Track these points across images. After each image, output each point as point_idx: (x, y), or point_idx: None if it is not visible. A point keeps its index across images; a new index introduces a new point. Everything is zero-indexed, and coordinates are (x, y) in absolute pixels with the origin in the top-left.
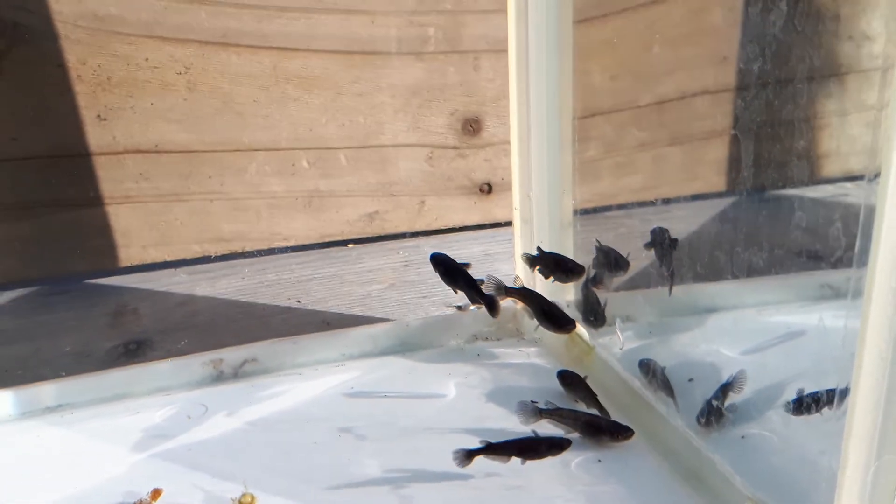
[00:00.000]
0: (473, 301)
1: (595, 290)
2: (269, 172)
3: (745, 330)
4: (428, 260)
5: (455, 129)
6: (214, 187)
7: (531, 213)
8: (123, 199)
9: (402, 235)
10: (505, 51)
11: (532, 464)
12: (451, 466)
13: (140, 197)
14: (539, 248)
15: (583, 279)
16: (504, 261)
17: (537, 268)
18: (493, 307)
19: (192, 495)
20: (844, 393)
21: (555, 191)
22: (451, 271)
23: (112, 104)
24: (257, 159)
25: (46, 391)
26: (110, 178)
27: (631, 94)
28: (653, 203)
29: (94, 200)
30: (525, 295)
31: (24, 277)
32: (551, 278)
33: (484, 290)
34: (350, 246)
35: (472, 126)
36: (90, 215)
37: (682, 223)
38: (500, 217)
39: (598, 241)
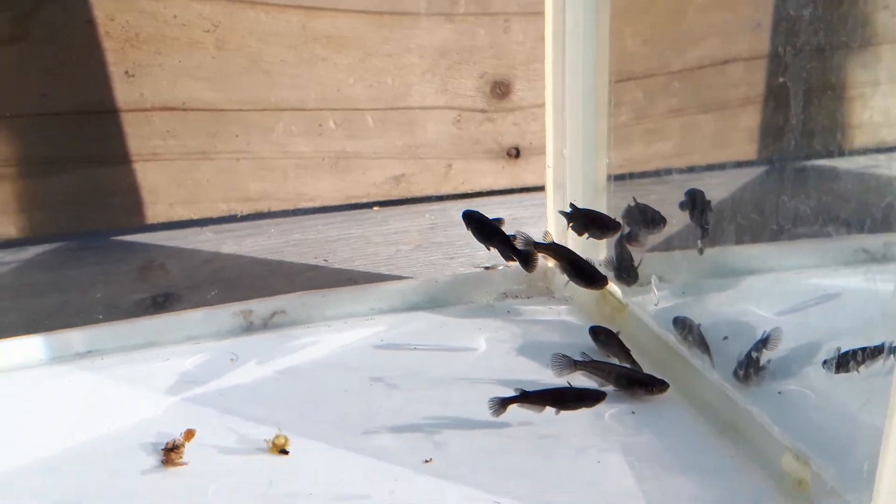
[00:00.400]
0: (507, 258)
1: (630, 247)
2: (295, 132)
3: (779, 292)
4: (455, 223)
5: (483, 92)
6: (241, 146)
7: (564, 178)
8: (151, 157)
9: (429, 199)
10: (536, 13)
11: (566, 414)
12: (484, 415)
13: (167, 154)
14: (573, 205)
15: (617, 236)
16: (532, 225)
17: (571, 225)
18: (528, 263)
19: (225, 437)
20: (892, 350)
21: (589, 155)
22: (485, 228)
23: (140, 61)
24: (284, 119)
25: (76, 337)
26: (138, 135)
27: (663, 59)
28: (683, 170)
29: (121, 157)
30: (555, 250)
31: (51, 232)
32: (585, 235)
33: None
34: (375, 209)
35: (500, 89)
36: (118, 172)
37: (714, 191)
38: (528, 182)
39: (634, 198)
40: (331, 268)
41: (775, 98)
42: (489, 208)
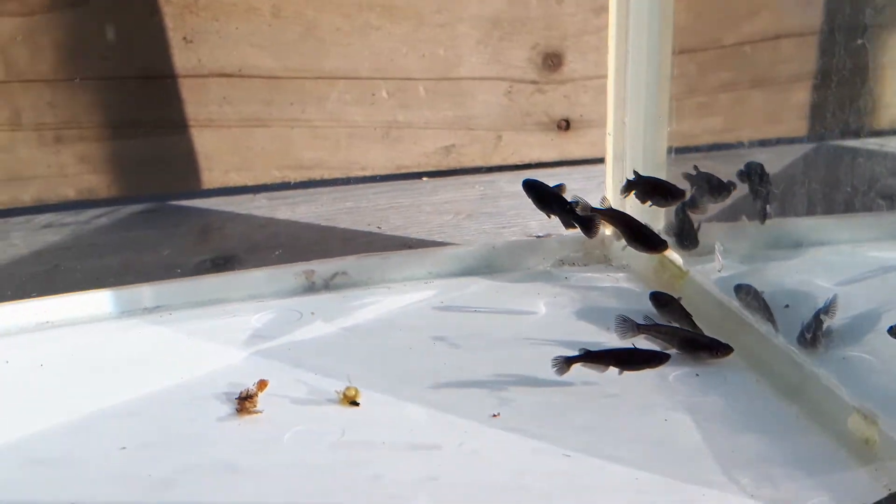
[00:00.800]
0: (568, 225)
1: (692, 214)
2: (349, 101)
3: (838, 263)
4: (505, 194)
5: (535, 64)
6: (296, 114)
7: (624, 150)
8: (207, 123)
9: (478, 170)
10: None
11: (629, 375)
12: (548, 374)
13: (223, 121)
14: (635, 172)
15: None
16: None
17: (633, 192)
18: (589, 229)
19: (296, 388)
20: None
21: (650, 126)
22: (545, 195)
23: (198, 27)
24: (338, 88)
25: (145, 293)
26: (195, 101)
27: (716, 33)
28: (734, 145)
29: (178, 123)
30: (613, 216)
31: (109, 196)
32: (648, 203)
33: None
34: (424, 179)
35: (552, 61)
36: (175, 137)
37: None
38: (577, 154)
39: (695, 166)
40: (385, 234)
41: (854, 62)
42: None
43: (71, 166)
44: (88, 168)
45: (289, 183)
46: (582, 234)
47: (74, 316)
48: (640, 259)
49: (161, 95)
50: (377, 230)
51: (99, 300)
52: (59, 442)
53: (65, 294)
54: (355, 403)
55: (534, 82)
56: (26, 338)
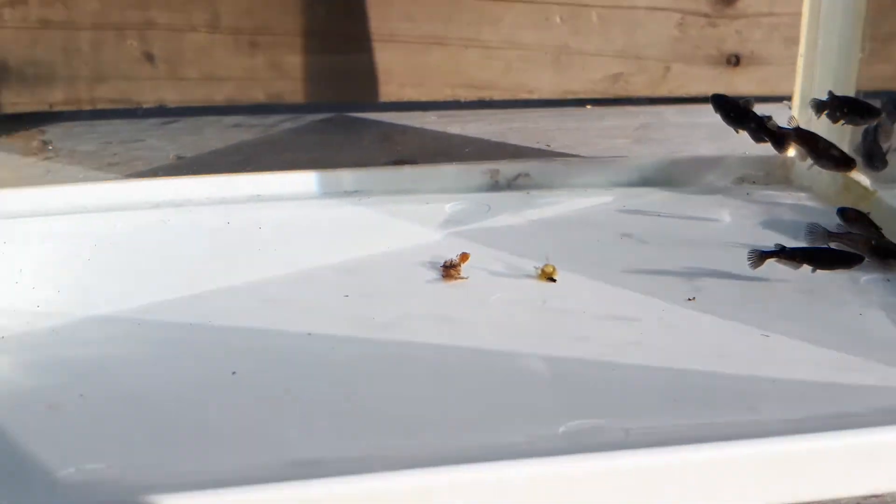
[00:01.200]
0: (758, 140)
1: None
2: (523, 24)
3: None
4: (670, 124)
5: None
6: (471, 34)
7: (810, 93)
8: (389, 38)
9: (642, 100)
10: None
11: (822, 274)
12: (739, 269)
13: (403, 37)
14: (830, 93)
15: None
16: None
17: (826, 112)
18: (781, 144)
19: (494, 263)
20: None
21: (842, 61)
22: (737, 111)
23: None
24: (514, 10)
25: (345, 177)
26: (379, 17)
27: None
28: None
29: (362, 36)
30: (801, 135)
31: (294, 101)
32: (840, 122)
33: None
34: (588, 107)
35: None
36: (358, 50)
37: None
38: (746, 91)
39: (887, 94)
40: (555, 151)
41: None
42: (702, 114)
43: (262, 71)
44: (278, 74)
45: (459, 101)
46: (764, 153)
47: (282, 192)
48: (823, 180)
49: (348, 8)
50: (546, 147)
51: (304, 180)
52: (288, 288)
53: (273, 172)
54: (552, 279)
55: (706, 16)
56: (241, 206)
